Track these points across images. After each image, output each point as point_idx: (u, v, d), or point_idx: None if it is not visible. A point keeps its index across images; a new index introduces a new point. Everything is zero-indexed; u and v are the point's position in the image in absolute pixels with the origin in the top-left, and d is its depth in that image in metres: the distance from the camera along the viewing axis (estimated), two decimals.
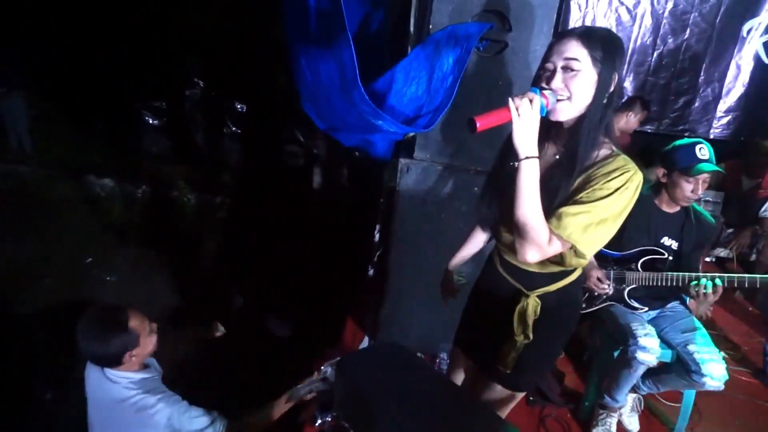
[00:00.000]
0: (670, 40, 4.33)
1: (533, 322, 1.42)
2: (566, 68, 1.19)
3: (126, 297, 3.81)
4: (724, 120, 4.58)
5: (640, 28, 4.33)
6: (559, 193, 1.22)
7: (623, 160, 1.24)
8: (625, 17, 4.30)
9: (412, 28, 3.09)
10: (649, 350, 2.03)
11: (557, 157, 1.30)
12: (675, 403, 2.46)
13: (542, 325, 1.43)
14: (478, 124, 1.13)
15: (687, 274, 2.05)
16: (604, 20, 4.30)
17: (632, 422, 2.40)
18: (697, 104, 4.53)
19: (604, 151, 1.27)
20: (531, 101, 1.14)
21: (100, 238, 4.62)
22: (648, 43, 4.33)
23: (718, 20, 4.28)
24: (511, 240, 1.35)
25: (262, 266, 4.13)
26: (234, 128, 6.16)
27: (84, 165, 5.63)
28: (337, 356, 1.37)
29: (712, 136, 4.58)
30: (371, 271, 3.06)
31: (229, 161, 6.13)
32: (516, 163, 1.18)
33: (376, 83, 2.14)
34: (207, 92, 6.28)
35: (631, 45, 4.33)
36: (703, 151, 2.04)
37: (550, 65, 1.22)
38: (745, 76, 4.44)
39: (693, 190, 2.06)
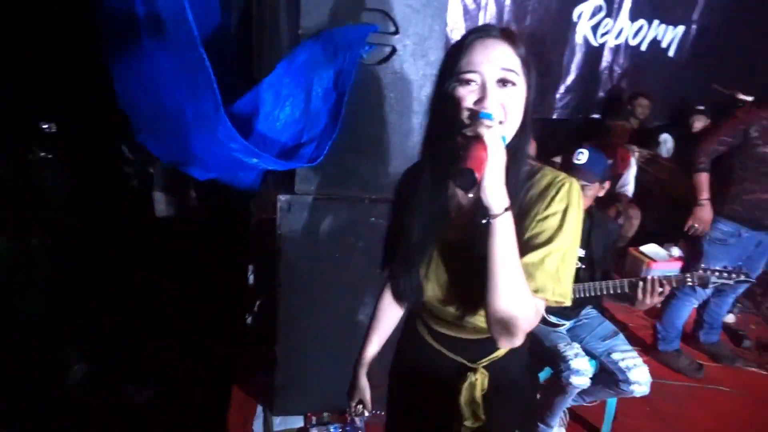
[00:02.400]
0: (513, 27, 4.39)
1: (483, 400, 1.12)
2: (503, 82, 0.89)
3: None
4: (564, 101, 4.83)
5: (485, 15, 4.36)
6: None
7: (549, 170, 1.00)
8: (471, 5, 4.30)
9: (254, 28, 2.63)
10: (583, 373, 1.92)
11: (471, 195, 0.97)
12: (593, 402, 2.41)
13: (496, 402, 1.12)
14: (477, 175, 0.78)
15: (600, 283, 1.97)
16: (452, 8, 4.22)
17: None
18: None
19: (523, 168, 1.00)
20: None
21: None
22: None
23: (553, 5, 4.45)
24: (452, 312, 1.05)
25: (107, 319, 3.39)
26: (43, 153, 5.09)
27: None
28: None
29: (554, 116, 4.80)
30: (249, 320, 2.58)
31: (43, 194, 5.06)
32: (489, 220, 0.85)
33: (236, 106, 1.68)
34: (1, 111, 5.10)
35: None
36: (579, 155, 2.02)
37: (474, 76, 0.89)
38: (578, 58, 4.71)
39: None
